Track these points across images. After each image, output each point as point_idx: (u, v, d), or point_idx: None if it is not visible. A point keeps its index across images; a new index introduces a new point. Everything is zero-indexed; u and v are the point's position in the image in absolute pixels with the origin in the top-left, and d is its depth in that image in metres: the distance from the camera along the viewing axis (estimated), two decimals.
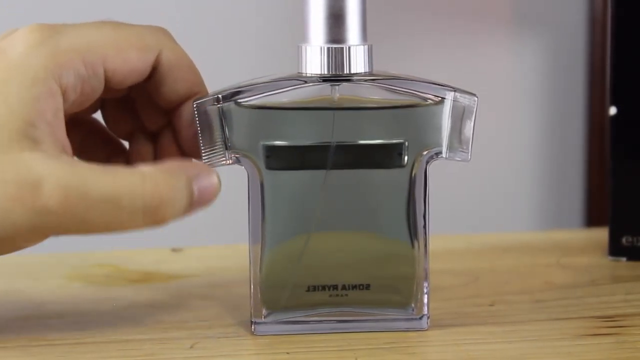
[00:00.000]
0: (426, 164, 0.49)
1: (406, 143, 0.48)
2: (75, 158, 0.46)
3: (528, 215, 0.91)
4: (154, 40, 0.48)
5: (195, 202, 0.45)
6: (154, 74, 0.48)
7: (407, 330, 0.49)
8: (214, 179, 0.46)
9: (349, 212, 0.49)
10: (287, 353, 0.47)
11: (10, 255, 0.64)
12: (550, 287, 0.56)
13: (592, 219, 0.89)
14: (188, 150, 0.50)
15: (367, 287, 0.49)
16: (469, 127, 0.48)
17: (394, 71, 0.49)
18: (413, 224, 0.49)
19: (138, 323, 0.51)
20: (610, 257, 0.62)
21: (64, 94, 0.45)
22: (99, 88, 0.47)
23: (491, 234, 0.71)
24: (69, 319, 0.52)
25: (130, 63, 0.47)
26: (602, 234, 0.63)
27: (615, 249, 0.62)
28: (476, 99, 0.48)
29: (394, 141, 0.48)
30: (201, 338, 0.49)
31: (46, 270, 0.61)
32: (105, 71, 0.46)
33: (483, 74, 0.89)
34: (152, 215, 0.44)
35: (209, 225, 0.80)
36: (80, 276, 0.60)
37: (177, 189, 0.44)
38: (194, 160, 0.49)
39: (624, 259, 0.62)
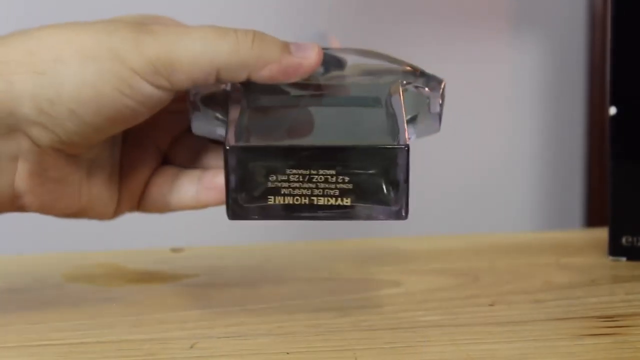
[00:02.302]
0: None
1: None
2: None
3: (528, 215, 0.91)
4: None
5: (292, 53, 0.48)
6: None
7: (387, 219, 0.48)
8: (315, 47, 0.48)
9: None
10: (287, 353, 0.47)
11: (10, 255, 0.64)
12: (550, 287, 0.56)
13: (592, 219, 0.89)
14: None
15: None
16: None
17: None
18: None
19: (138, 323, 0.51)
20: (610, 257, 0.62)
21: None
22: None
23: (491, 234, 0.71)
24: (69, 319, 0.52)
25: None
26: (602, 234, 0.63)
27: (615, 249, 0.62)
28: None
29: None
30: (201, 338, 0.49)
31: (46, 270, 0.61)
32: None
33: (483, 74, 0.89)
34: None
35: (209, 225, 0.80)
36: (80, 276, 0.60)
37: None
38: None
39: (624, 259, 0.62)
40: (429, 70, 0.51)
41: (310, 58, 0.48)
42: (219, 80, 0.48)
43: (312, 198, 0.47)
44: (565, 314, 0.52)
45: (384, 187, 0.47)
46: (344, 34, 0.85)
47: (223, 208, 0.50)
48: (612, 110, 0.61)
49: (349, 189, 0.47)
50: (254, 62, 0.47)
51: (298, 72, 0.48)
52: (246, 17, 0.85)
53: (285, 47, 0.48)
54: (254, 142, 0.47)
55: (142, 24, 0.48)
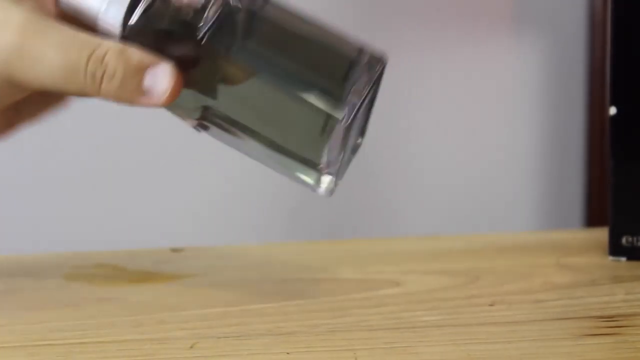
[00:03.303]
0: None
1: None
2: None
3: (528, 215, 0.91)
4: None
5: (140, 96, 0.48)
6: None
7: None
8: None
9: None
10: (287, 353, 0.47)
11: (10, 255, 0.64)
12: (550, 287, 0.56)
13: (592, 219, 0.89)
14: None
15: None
16: None
17: None
18: None
19: (138, 323, 0.51)
20: (610, 257, 0.62)
21: None
22: None
23: (491, 234, 0.71)
24: (69, 319, 0.52)
25: None
26: (602, 234, 0.63)
27: (615, 249, 0.62)
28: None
29: None
30: (201, 338, 0.49)
31: (46, 270, 0.61)
32: None
33: (483, 74, 0.89)
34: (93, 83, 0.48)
35: (209, 225, 0.80)
36: (80, 276, 0.60)
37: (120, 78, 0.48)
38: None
39: (624, 259, 0.62)
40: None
41: (160, 98, 0.48)
42: None
43: None
44: (565, 314, 0.52)
45: None
46: None
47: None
48: (612, 110, 0.61)
49: None
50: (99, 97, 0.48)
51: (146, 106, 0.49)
52: None
53: (138, 89, 0.48)
54: None
55: None
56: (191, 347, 0.48)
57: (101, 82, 0.48)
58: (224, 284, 0.58)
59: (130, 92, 0.48)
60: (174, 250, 0.66)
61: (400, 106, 0.90)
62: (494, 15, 0.88)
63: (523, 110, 0.90)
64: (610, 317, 0.51)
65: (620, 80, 0.60)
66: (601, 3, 0.86)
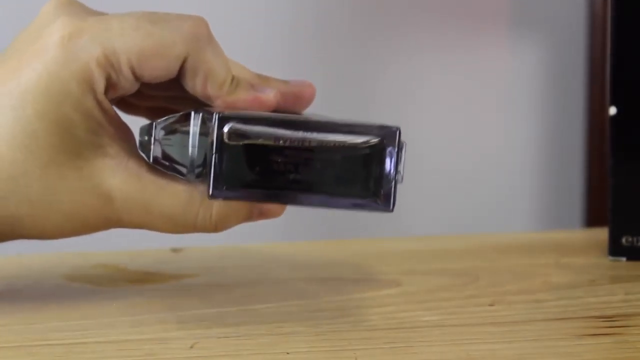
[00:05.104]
0: None
1: None
2: (139, 163, 0.49)
3: (528, 215, 0.91)
4: (181, 47, 0.49)
5: (254, 218, 0.51)
6: (181, 73, 0.50)
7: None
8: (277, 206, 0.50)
9: None
10: (287, 353, 0.47)
11: (10, 255, 0.65)
12: (550, 287, 0.57)
13: (592, 219, 0.89)
14: None
15: None
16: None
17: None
18: None
19: (138, 323, 0.51)
20: (610, 257, 0.62)
21: (107, 92, 0.49)
22: (132, 86, 0.50)
23: (491, 234, 0.71)
24: (69, 319, 0.52)
25: (155, 70, 0.49)
26: (602, 234, 0.63)
27: (615, 249, 0.62)
28: None
29: None
30: (201, 338, 0.49)
31: (46, 270, 0.61)
32: (133, 74, 0.49)
33: (483, 74, 0.89)
34: (206, 229, 0.50)
35: None
36: (80, 276, 0.60)
37: (232, 217, 0.50)
38: None
39: (624, 259, 0.62)
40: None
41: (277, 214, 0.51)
42: None
43: None
44: (565, 314, 0.52)
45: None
46: (341, 39, 0.85)
47: None
48: (612, 110, 0.61)
49: None
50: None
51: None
52: (237, 18, 0.85)
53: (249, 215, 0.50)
54: None
55: None
56: (191, 347, 0.48)
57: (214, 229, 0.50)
58: (224, 284, 0.58)
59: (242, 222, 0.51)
60: (174, 250, 0.66)
61: (400, 106, 0.90)
62: (494, 15, 0.88)
63: (523, 110, 0.90)
64: (609, 317, 0.51)
65: (620, 80, 0.60)
66: (601, 3, 0.86)
